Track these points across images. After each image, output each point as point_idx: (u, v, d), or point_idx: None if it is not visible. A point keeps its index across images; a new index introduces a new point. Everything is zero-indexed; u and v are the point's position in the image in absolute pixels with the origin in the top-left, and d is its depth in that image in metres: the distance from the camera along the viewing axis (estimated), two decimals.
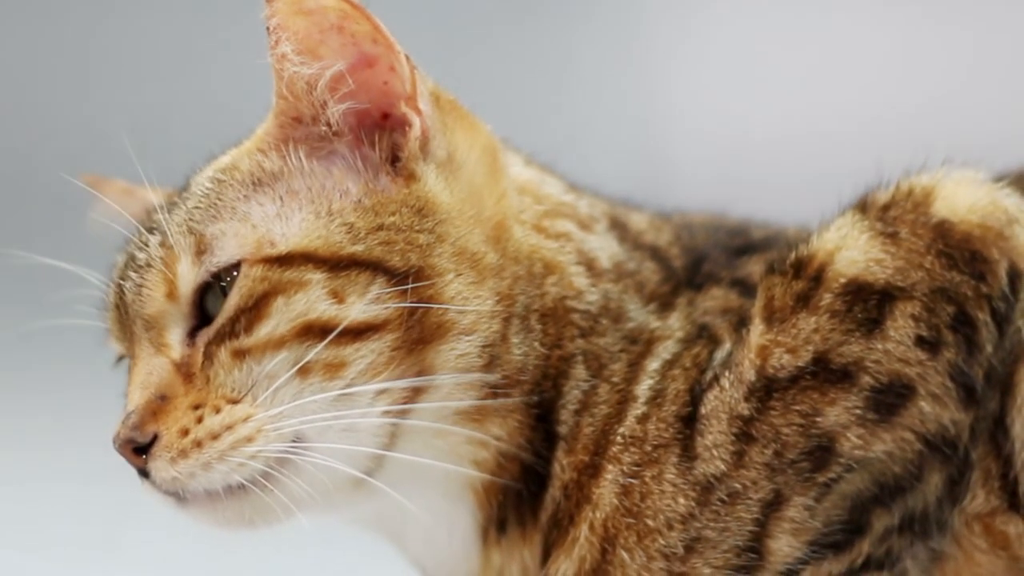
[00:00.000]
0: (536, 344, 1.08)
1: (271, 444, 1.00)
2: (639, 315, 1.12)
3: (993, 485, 1.01)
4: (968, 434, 1.00)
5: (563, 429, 1.08)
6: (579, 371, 1.09)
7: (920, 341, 0.99)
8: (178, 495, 1.02)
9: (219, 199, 1.06)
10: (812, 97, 2.38)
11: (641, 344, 1.10)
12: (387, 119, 1.07)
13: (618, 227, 1.18)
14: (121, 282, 1.07)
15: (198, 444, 1.00)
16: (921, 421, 0.98)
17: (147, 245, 1.06)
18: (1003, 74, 2.26)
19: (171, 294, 1.04)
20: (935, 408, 0.98)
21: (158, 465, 1.01)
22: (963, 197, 1.02)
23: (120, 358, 1.13)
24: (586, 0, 2.54)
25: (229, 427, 1.00)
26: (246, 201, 1.05)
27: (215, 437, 1.00)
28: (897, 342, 0.99)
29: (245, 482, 1.01)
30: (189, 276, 1.03)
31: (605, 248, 1.15)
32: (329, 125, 1.06)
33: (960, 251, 1.00)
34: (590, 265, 1.13)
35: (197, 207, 1.06)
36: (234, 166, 1.09)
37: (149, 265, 1.05)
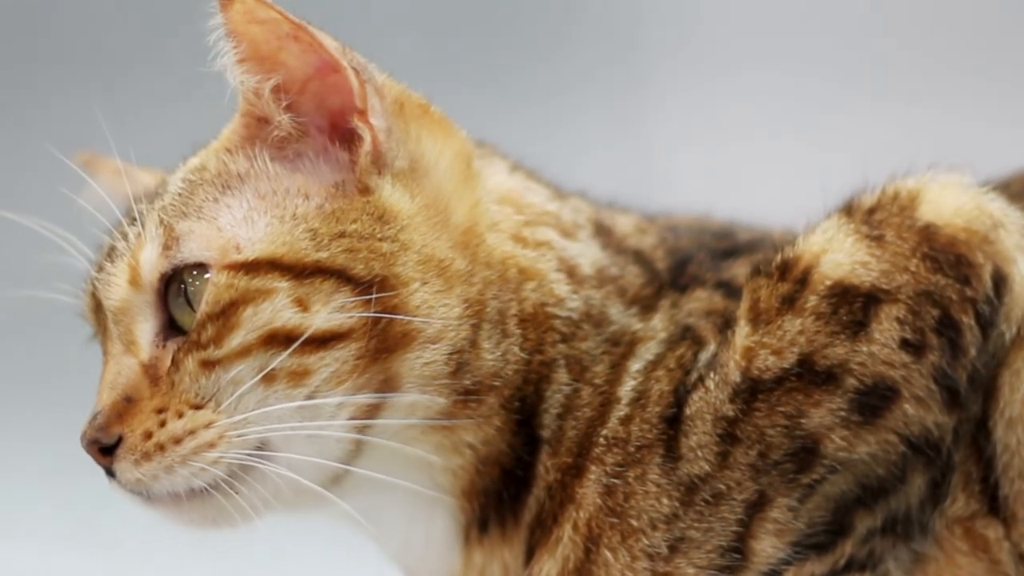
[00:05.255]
0: (516, 349, 1.07)
1: (233, 450, 1.00)
2: (621, 318, 1.12)
3: (973, 489, 1.02)
4: (951, 437, 1.00)
5: (546, 433, 1.08)
6: (561, 375, 1.09)
7: (905, 344, 0.99)
8: (143, 495, 1.03)
9: (191, 198, 1.06)
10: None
11: (623, 346, 1.10)
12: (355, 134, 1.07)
13: (603, 233, 1.18)
14: (97, 274, 1.07)
15: (160, 447, 1.00)
16: (905, 423, 0.99)
17: (126, 237, 1.06)
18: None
19: (134, 280, 1.04)
20: (919, 410, 0.99)
21: (123, 467, 1.01)
22: (949, 201, 1.02)
23: (93, 336, 1.12)
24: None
25: (191, 432, 1.00)
26: (215, 203, 1.05)
27: (177, 441, 1.00)
28: (882, 344, 0.99)
29: (207, 486, 1.01)
30: (153, 262, 1.03)
31: (587, 255, 1.14)
32: (292, 128, 1.06)
33: (945, 255, 1.00)
34: (571, 272, 1.12)
35: (172, 204, 1.06)
36: (203, 166, 1.09)
37: (122, 256, 1.05)
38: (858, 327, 1.00)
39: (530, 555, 1.08)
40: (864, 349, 0.99)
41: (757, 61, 2.45)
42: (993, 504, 1.02)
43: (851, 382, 0.99)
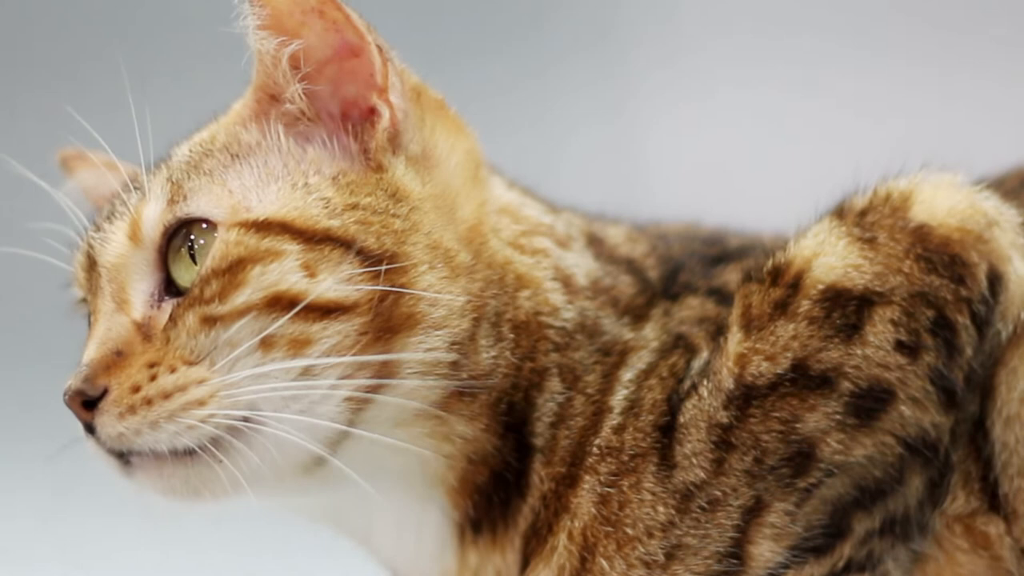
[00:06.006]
0: (507, 353, 1.07)
1: (223, 411, 0.99)
2: (613, 328, 1.12)
3: (973, 487, 1.02)
4: (948, 437, 1.00)
5: (539, 441, 1.08)
6: (554, 384, 1.09)
7: (899, 346, 0.99)
8: (123, 455, 1.00)
9: (200, 163, 1.06)
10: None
11: (615, 355, 1.10)
12: (373, 112, 1.07)
13: (595, 243, 1.18)
14: (94, 233, 1.07)
15: (148, 402, 0.99)
16: (901, 425, 0.99)
17: (128, 201, 1.06)
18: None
19: (134, 235, 1.03)
20: (915, 412, 0.99)
21: (104, 420, 0.99)
22: (942, 201, 1.02)
23: (81, 300, 1.12)
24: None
25: (182, 388, 0.99)
26: (225, 169, 1.06)
27: (166, 396, 0.99)
28: (876, 347, 0.99)
29: (193, 446, 0.99)
30: (157, 217, 1.03)
31: (582, 265, 1.15)
32: (304, 106, 1.07)
33: (939, 255, 1.00)
34: (567, 282, 1.12)
35: (179, 167, 1.07)
36: (212, 137, 1.09)
37: (123, 216, 1.05)
38: (852, 330, 0.99)
39: (526, 564, 1.07)
40: (858, 352, 0.99)
41: (738, 40, 2.46)
42: (993, 502, 1.02)
43: (846, 385, 0.99)
